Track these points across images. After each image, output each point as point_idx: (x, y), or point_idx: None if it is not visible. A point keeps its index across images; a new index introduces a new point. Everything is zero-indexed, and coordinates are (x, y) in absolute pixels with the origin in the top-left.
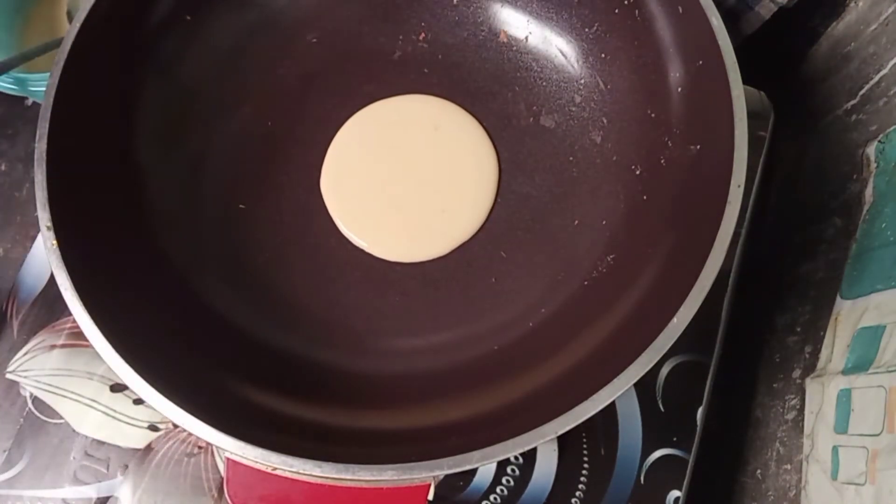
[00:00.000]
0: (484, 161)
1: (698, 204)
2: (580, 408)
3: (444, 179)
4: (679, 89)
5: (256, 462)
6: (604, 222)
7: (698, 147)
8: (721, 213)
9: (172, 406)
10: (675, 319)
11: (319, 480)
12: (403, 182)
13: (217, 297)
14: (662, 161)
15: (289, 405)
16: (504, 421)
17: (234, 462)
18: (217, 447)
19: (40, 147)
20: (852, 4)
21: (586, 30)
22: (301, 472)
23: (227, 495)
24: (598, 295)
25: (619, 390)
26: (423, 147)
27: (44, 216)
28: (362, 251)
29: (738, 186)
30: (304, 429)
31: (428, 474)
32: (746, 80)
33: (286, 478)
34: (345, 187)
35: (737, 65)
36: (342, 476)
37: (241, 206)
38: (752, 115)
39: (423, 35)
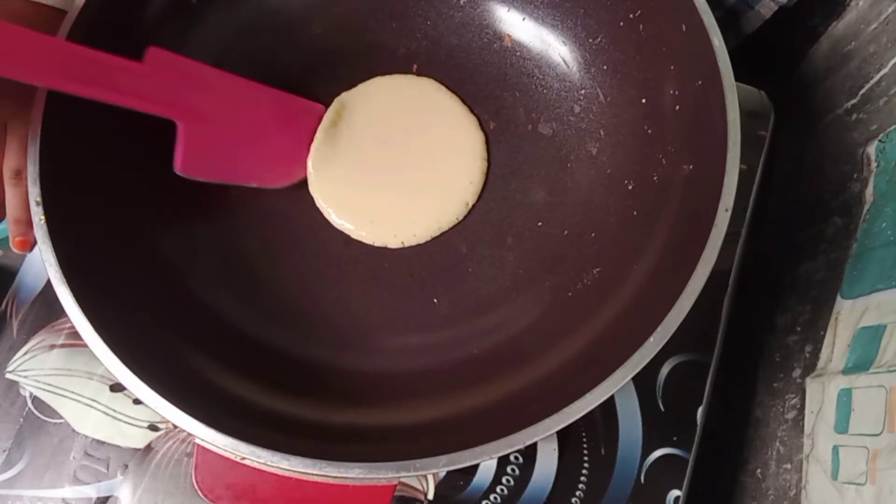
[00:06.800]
0: (470, 142)
1: (686, 223)
2: (551, 419)
3: (431, 163)
4: (677, 107)
5: (226, 451)
6: (593, 235)
7: (691, 167)
8: (707, 235)
9: (137, 380)
10: (651, 339)
11: (287, 473)
12: (389, 165)
13: (198, 283)
14: (655, 178)
15: (263, 396)
16: (475, 426)
17: (204, 449)
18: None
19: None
20: (853, 3)
21: (590, 40)
22: (269, 463)
23: (194, 481)
24: (581, 307)
25: (591, 405)
26: (410, 130)
27: (34, 191)
28: (349, 243)
29: (726, 210)
30: (275, 421)
31: (394, 475)
32: (747, 79)
33: (254, 468)
34: (330, 171)
35: (735, 88)
36: (309, 471)
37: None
38: (753, 115)
39: (428, 34)
